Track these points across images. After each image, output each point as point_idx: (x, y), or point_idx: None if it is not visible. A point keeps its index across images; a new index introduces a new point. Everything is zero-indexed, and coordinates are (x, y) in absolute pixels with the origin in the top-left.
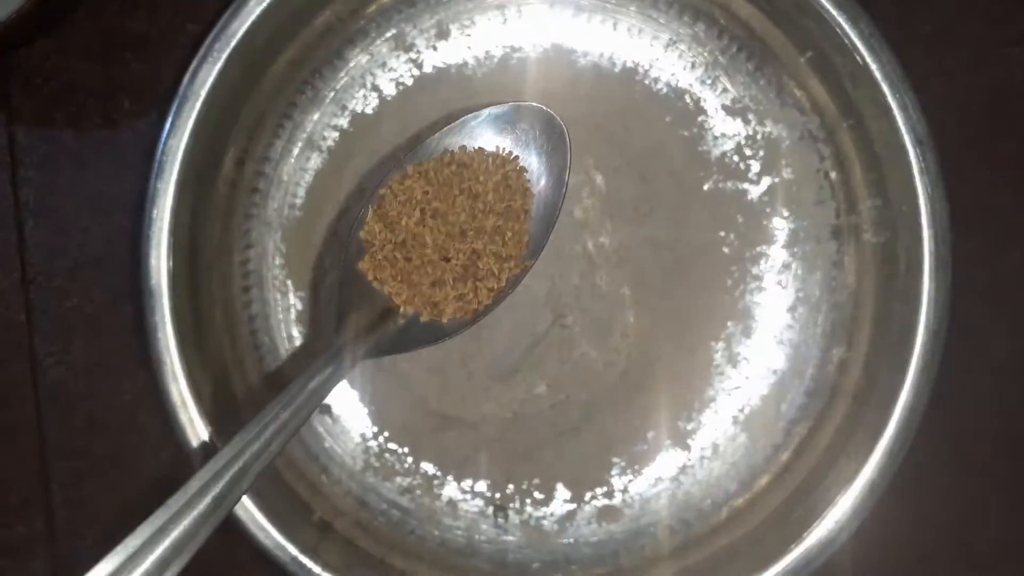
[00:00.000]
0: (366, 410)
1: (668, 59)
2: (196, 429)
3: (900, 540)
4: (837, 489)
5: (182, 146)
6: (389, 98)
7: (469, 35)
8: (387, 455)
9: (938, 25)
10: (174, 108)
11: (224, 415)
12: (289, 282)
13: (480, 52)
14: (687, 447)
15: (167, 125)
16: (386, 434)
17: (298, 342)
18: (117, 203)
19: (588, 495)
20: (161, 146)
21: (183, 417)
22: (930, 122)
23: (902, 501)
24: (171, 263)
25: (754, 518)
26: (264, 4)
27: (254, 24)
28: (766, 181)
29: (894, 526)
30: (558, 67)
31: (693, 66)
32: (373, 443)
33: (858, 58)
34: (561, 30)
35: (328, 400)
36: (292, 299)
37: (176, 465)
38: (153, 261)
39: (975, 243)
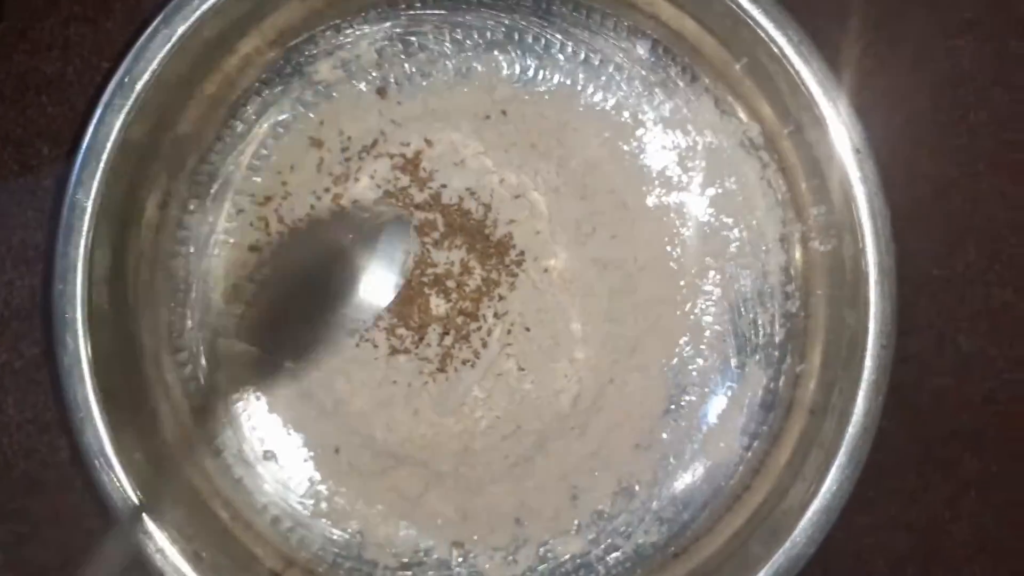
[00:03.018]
0: (312, 454)
1: (603, 74)
2: (121, 489)
3: (869, 545)
4: (798, 509)
5: (90, 200)
6: (316, 125)
7: (403, 57)
8: (337, 498)
9: (878, 20)
10: (78, 162)
11: (153, 464)
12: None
13: (409, 74)
14: (645, 469)
15: (72, 179)
16: (334, 477)
17: (222, 342)
18: (41, 253)
19: (547, 525)
20: (67, 203)
21: (105, 479)
22: (876, 122)
23: (869, 505)
24: (87, 324)
25: (716, 540)
26: (171, 41)
27: (162, 64)
28: (710, 192)
29: (862, 532)
30: (489, 87)
31: (629, 79)
32: (322, 487)
33: (788, 66)
34: (492, 49)
35: (271, 447)
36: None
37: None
38: (68, 325)
39: (931, 241)
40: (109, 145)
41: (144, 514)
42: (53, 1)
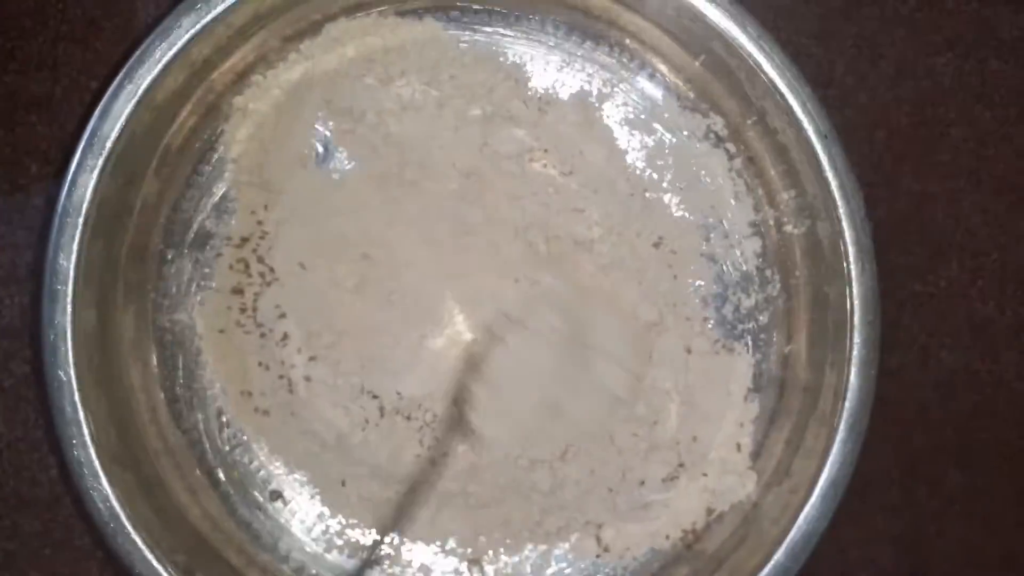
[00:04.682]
0: (318, 490)
1: (564, 79)
2: (108, 502)
3: (855, 559)
4: (806, 484)
5: (72, 263)
6: None
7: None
8: (348, 531)
9: (860, 38)
10: (55, 227)
11: (136, 470)
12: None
13: (362, 107)
14: (650, 467)
15: (51, 244)
16: (344, 511)
17: (216, 389)
18: (31, 271)
19: (561, 533)
20: (48, 269)
21: (94, 494)
22: (858, 139)
23: (855, 518)
24: (83, 388)
25: (727, 525)
26: (160, 64)
27: (128, 120)
28: (681, 186)
29: (848, 545)
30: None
31: (590, 83)
32: (332, 521)
33: (751, 61)
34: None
35: (277, 487)
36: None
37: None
38: (60, 371)
39: (913, 256)
40: (85, 206)
41: None
42: (43, 20)
